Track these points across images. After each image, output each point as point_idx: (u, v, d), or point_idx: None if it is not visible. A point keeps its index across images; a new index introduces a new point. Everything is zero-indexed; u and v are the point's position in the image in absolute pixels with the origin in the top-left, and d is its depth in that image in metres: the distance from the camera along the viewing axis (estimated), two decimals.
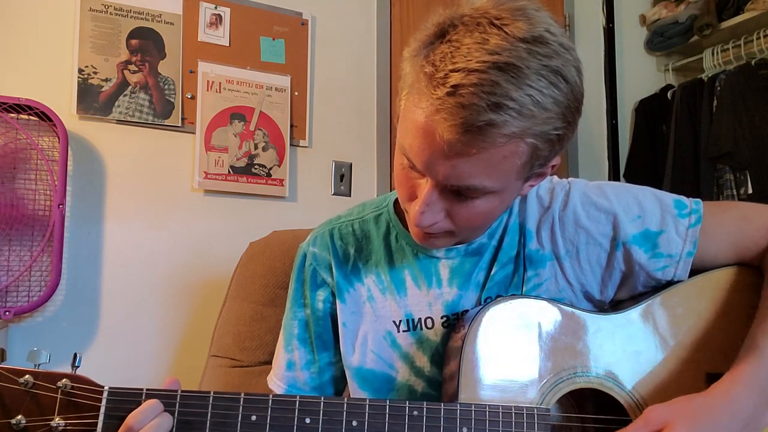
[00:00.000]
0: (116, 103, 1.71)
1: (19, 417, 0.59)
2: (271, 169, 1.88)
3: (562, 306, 0.73)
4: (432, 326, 0.80)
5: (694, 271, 0.77)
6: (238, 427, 0.63)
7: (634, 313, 0.75)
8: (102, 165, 1.70)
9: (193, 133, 1.79)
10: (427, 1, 2.18)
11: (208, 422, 0.63)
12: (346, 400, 0.66)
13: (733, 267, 0.77)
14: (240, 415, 0.64)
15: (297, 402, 0.65)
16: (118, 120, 1.71)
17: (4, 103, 1.50)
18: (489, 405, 0.67)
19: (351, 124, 2.05)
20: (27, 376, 0.60)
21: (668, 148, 2.30)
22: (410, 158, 0.65)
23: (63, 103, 1.64)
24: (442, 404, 0.67)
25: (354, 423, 0.65)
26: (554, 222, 0.79)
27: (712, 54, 2.31)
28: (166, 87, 1.77)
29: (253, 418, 0.64)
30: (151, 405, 0.61)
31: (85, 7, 1.69)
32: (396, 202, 0.86)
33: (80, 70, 1.67)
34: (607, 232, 0.77)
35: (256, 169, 1.86)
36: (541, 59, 0.58)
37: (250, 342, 1.24)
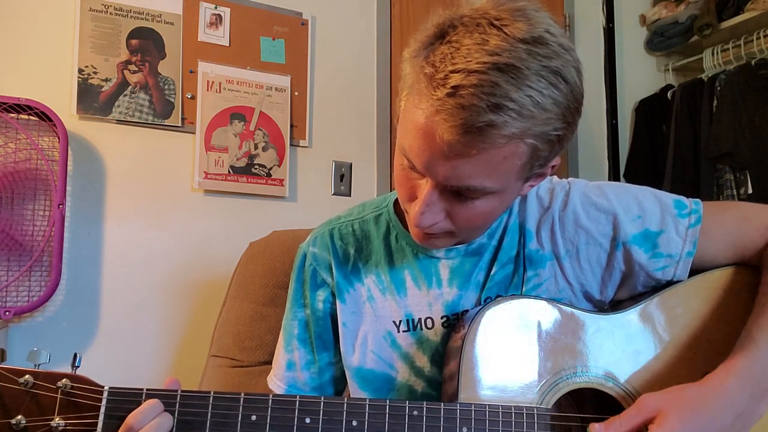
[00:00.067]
0: (116, 103, 1.71)
1: (19, 417, 0.59)
2: (271, 169, 1.88)
3: (561, 306, 0.74)
4: (432, 326, 0.80)
5: (694, 271, 0.77)
6: (238, 427, 0.63)
7: (633, 313, 0.75)
8: (102, 165, 1.70)
9: (193, 133, 1.79)
10: (427, 1, 2.18)
11: (208, 422, 0.63)
12: (346, 400, 0.67)
13: (732, 267, 0.77)
14: (240, 415, 0.64)
15: (297, 402, 0.65)
16: (118, 120, 1.71)
17: (4, 103, 1.50)
18: (489, 405, 0.67)
19: (351, 124, 2.05)
20: (27, 376, 0.60)
21: (668, 148, 2.30)
22: (410, 159, 0.65)
23: (63, 103, 1.64)
24: (442, 404, 0.67)
25: (354, 423, 0.65)
26: (554, 222, 0.79)
27: (712, 54, 2.31)
28: (166, 87, 1.77)
29: (253, 418, 0.64)
30: (151, 405, 0.61)
31: (85, 7, 1.69)
32: (396, 202, 0.86)
33: (80, 70, 1.67)
34: (607, 232, 0.78)
35: (256, 169, 1.86)
36: (540, 60, 0.58)
37: (250, 342, 1.24)
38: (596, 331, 0.73)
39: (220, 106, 1.83)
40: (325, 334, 0.85)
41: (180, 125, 1.78)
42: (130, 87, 1.73)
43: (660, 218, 0.77)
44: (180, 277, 1.76)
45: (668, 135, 2.33)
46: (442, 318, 0.80)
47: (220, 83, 1.83)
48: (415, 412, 0.66)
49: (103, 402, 0.61)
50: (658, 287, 0.78)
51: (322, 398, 0.66)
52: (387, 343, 0.81)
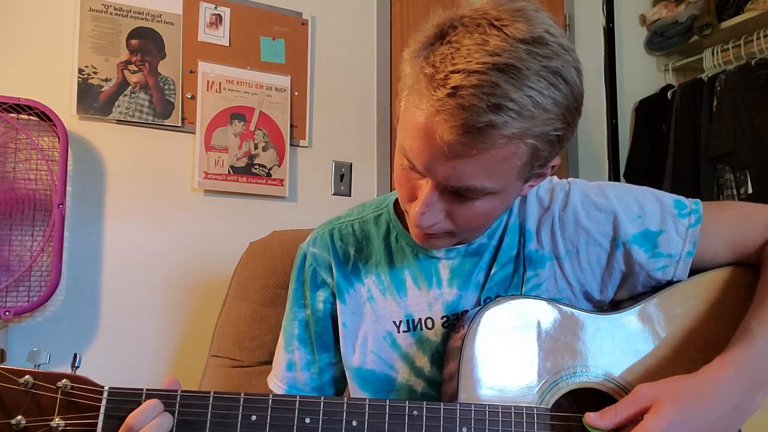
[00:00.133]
0: (116, 103, 1.71)
1: (19, 417, 0.59)
2: (271, 169, 1.88)
3: (561, 306, 0.74)
4: (432, 326, 0.80)
5: (693, 271, 0.77)
6: (238, 427, 0.63)
7: (633, 313, 0.75)
8: (102, 165, 1.70)
9: (193, 133, 1.79)
10: (427, 2, 2.18)
11: (208, 422, 0.63)
12: (345, 400, 0.67)
13: (731, 267, 0.77)
14: (240, 415, 0.64)
15: (297, 402, 0.65)
16: (118, 120, 1.71)
17: (4, 103, 1.50)
18: (488, 405, 0.67)
19: (351, 124, 2.05)
20: (27, 376, 0.60)
21: (668, 148, 2.31)
22: (410, 159, 0.65)
23: (63, 103, 1.65)
24: (442, 404, 0.67)
25: (354, 423, 0.65)
26: (554, 222, 0.79)
27: (712, 54, 2.31)
28: (166, 87, 1.77)
29: (253, 418, 0.64)
30: (151, 405, 0.61)
31: (85, 7, 1.69)
32: (396, 202, 0.86)
33: (80, 70, 1.67)
34: (607, 232, 0.78)
35: (256, 169, 1.86)
36: (540, 60, 0.58)
37: (250, 342, 1.24)
38: (596, 331, 0.73)
39: (220, 106, 1.83)
40: (326, 335, 0.85)
41: (180, 125, 1.78)
42: (130, 87, 1.73)
43: (660, 218, 0.77)
44: (180, 277, 1.76)
45: (668, 135, 2.33)
46: (442, 318, 0.80)
47: (220, 83, 1.83)
48: (415, 412, 0.66)
49: (103, 402, 0.61)
50: (657, 287, 0.78)
51: (322, 398, 0.66)
52: (387, 344, 0.81)
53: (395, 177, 0.72)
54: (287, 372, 0.86)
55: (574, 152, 2.38)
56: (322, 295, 0.85)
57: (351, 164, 2.03)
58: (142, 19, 1.76)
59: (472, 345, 0.69)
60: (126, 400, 0.62)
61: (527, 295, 0.78)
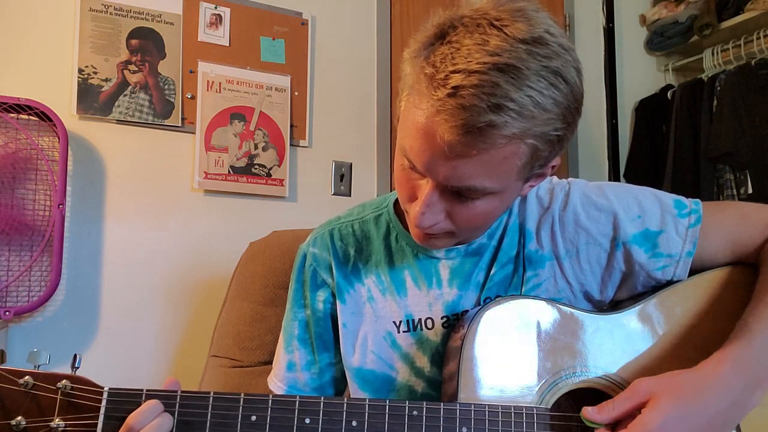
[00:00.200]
0: (116, 103, 1.71)
1: (19, 418, 0.59)
2: (271, 169, 1.88)
3: (560, 306, 0.74)
4: (432, 327, 0.80)
5: (693, 271, 0.78)
6: (238, 428, 0.63)
7: (632, 313, 0.75)
8: (102, 165, 1.70)
9: (193, 133, 1.79)
10: (427, 1, 2.18)
11: (208, 422, 0.63)
12: (345, 400, 0.66)
13: (730, 266, 0.77)
14: (240, 415, 0.64)
15: (297, 402, 0.65)
16: (118, 120, 1.71)
17: (4, 103, 1.50)
18: (488, 405, 0.67)
19: (351, 124, 2.05)
20: (27, 377, 0.60)
21: (668, 148, 2.31)
22: (411, 159, 0.65)
23: (63, 103, 1.65)
24: (442, 404, 0.67)
25: (354, 423, 0.65)
26: (554, 222, 0.79)
27: (712, 54, 2.31)
28: (166, 87, 1.77)
29: (253, 418, 0.64)
30: (151, 405, 0.61)
31: (85, 7, 1.69)
32: (396, 202, 0.86)
33: (80, 70, 1.67)
34: (607, 232, 0.78)
35: (256, 169, 1.86)
36: (540, 60, 0.58)
37: (250, 342, 1.24)
38: (595, 331, 0.73)
39: (220, 106, 1.83)
40: (326, 335, 0.85)
41: (180, 125, 1.78)
42: (130, 87, 1.73)
43: (660, 218, 0.77)
44: (180, 277, 1.76)
45: (668, 135, 2.33)
46: (442, 318, 0.80)
47: (220, 83, 1.83)
48: (415, 412, 0.66)
49: (103, 403, 0.61)
50: (657, 287, 0.78)
51: (322, 398, 0.66)
52: (387, 344, 0.81)
53: (395, 177, 0.72)
54: (287, 372, 0.86)
55: (574, 152, 2.38)
56: (322, 295, 0.85)
57: (351, 164, 2.03)
58: (142, 19, 1.76)
59: (471, 345, 0.69)
60: (126, 401, 0.62)
61: (527, 295, 0.78)
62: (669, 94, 2.42)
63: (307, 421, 0.65)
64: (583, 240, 0.78)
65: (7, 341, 1.55)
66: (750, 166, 2.07)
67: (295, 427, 0.64)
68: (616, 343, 0.73)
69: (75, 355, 0.63)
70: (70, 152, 1.64)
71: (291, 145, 1.93)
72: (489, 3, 0.62)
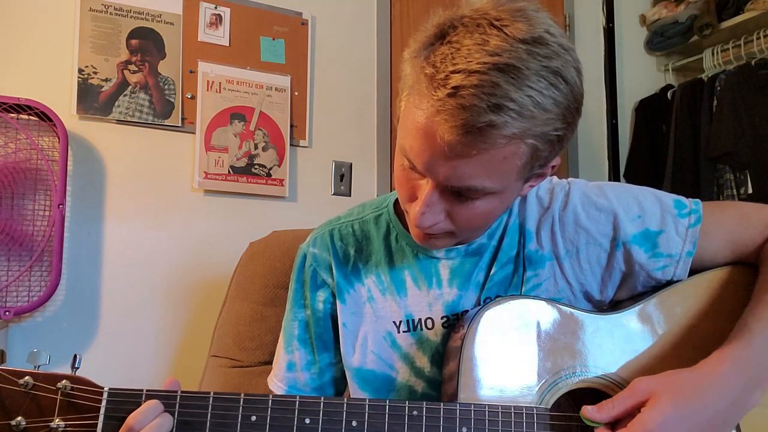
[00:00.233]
0: (116, 103, 1.71)
1: (19, 418, 0.59)
2: (271, 169, 1.88)
3: (560, 306, 0.74)
4: (432, 327, 0.80)
5: (693, 271, 0.78)
6: (238, 428, 0.63)
7: (632, 313, 0.75)
8: (102, 165, 1.70)
9: (193, 133, 1.79)
10: (427, 1, 2.18)
11: (208, 422, 0.63)
12: (345, 400, 0.66)
13: (730, 266, 0.77)
14: (240, 415, 0.64)
15: (297, 402, 0.65)
16: (118, 120, 1.71)
17: (4, 103, 1.50)
18: (488, 405, 0.67)
19: (351, 124, 2.05)
20: (27, 377, 0.60)
21: (668, 148, 2.31)
22: (411, 159, 0.65)
23: (63, 103, 1.65)
24: (442, 404, 0.67)
25: (354, 423, 0.65)
26: (554, 222, 0.79)
27: (712, 54, 2.31)
28: (166, 87, 1.77)
29: (253, 418, 0.64)
30: (151, 405, 0.61)
31: (85, 7, 1.69)
32: (396, 202, 0.86)
33: (80, 70, 1.67)
34: (608, 232, 0.78)
35: (256, 169, 1.86)
36: (540, 60, 0.58)
37: (250, 342, 1.24)
38: (595, 331, 0.73)
39: (220, 106, 1.83)
40: (326, 335, 0.85)
41: (180, 125, 1.78)
42: (130, 87, 1.73)
43: (660, 218, 0.77)
44: (180, 277, 1.76)
45: (668, 135, 2.33)
46: (442, 318, 0.80)
47: (220, 83, 1.83)
48: (415, 412, 0.66)
49: (103, 403, 0.61)
50: (657, 287, 0.78)
51: (322, 399, 0.66)
52: (387, 344, 0.81)
53: (395, 177, 0.72)
54: (287, 372, 0.86)
55: (574, 152, 2.38)
56: (322, 295, 0.85)
57: (351, 164, 2.03)
58: (142, 19, 1.76)
59: (471, 345, 0.69)
60: (126, 401, 0.62)
61: (527, 295, 0.78)
62: (669, 94, 2.42)
63: (307, 421, 0.65)
64: (583, 240, 0.78)
65: (7, 341, 1.55)
66: (750, 166, 2.07)
67: (295, 427, 0.64)
68: (616, 343, 0.73)
69: (75, 356, 0.63)
70: (70, 152, 1.64)
71: (291, 145, 1.93)
72: (489, 3, 0.62)
